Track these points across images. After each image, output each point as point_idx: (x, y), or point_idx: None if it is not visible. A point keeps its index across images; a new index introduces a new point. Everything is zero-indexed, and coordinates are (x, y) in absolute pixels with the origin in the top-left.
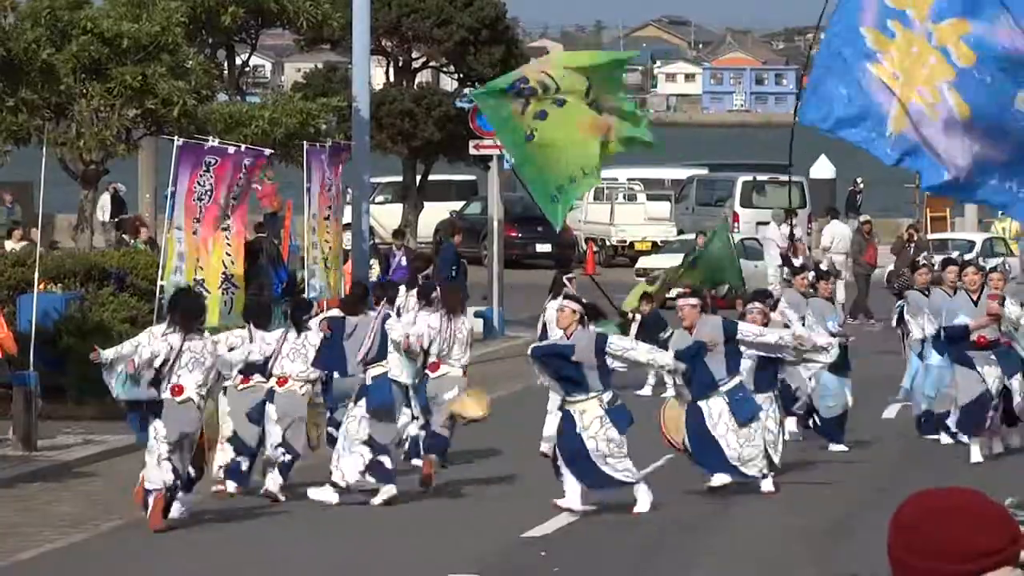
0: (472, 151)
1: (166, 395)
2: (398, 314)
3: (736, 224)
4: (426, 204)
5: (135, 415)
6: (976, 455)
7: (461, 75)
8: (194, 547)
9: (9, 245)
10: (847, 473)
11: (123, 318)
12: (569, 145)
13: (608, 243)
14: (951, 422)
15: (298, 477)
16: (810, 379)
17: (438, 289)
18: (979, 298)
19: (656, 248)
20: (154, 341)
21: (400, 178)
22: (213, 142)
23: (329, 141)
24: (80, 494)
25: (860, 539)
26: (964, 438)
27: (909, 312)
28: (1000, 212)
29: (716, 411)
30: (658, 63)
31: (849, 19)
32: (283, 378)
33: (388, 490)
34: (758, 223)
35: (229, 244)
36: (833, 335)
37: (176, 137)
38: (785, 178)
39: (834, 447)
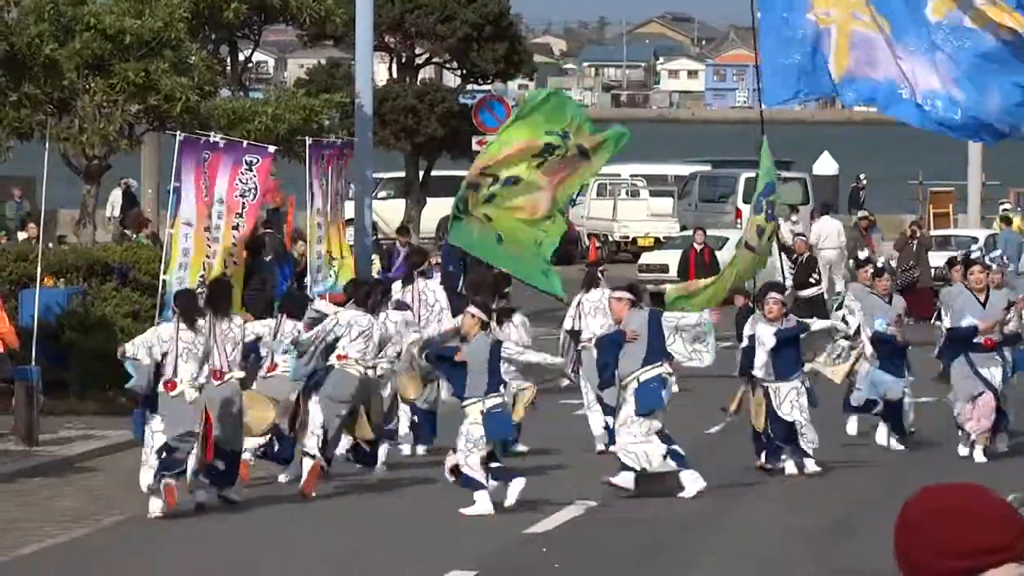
0: (475, 147)
1: (160, 389)
2: (399, 307)
3: (739, 220)
4: (429, 200)
5: (139, 412)
6: (979, 455)
7: (464, 71)
8: (195, 543)
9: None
10: (847, 473)
11: (125, 313)
12: (523, 225)
13: (611, 239)
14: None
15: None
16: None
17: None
18: (986, 297)
19: (659, 244)
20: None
21: (403, 174)
22: (216, 138)
23: (332, 137)
24: (81, 489)
25: (860, 539)
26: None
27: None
28: (1001, 209)
29: (622, 400)
30: (661, 60)
31: None
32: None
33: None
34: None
35: (235, 244)
36: (878, 334)
37: (178, 133)
38: (789, 174)
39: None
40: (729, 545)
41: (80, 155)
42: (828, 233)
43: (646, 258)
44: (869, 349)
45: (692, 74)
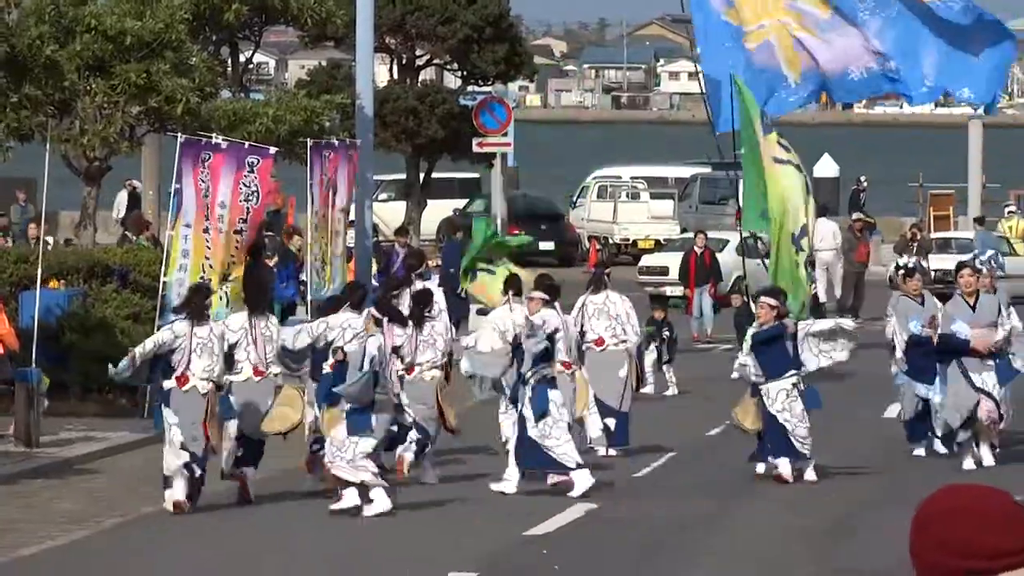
0: (475, 148)
1: (172, 384)
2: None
3: (738, 222)
4: (429, 202)
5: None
6: (968, 463)
7: (465, 73)
8: (196, 544)
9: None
10: (847, 473)
11: (126, 315)
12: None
13: (611, 241)
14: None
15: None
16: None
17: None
18: (976, 301)
19: (659, 246)
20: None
21: (403, 175)
22: (217, 139)
23: (334, 139)
24: (82, 491)
25: (860, 539)
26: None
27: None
28: (1007, 211)
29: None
30: (661, 61)
31: (709, 17)
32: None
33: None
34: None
35: (237, 247)
36: (915, 337)
37: (179, 134)
38: None
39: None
40: (729, 545)
41: (80, 157)
42: (824, 235)
43: (646, 260)
44: (899, 354)
45: (693, 76)
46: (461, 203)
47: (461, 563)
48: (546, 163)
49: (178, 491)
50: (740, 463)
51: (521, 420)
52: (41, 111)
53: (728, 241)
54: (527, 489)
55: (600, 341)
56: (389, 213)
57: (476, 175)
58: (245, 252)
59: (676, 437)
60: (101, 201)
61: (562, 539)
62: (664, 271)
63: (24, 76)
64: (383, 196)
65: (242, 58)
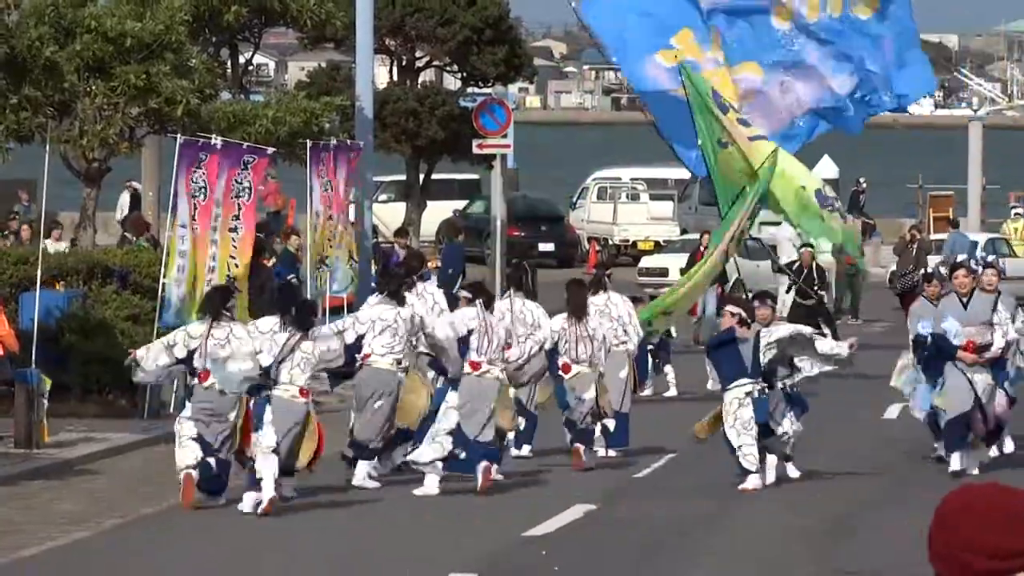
0: (475, 150)
1: (194, 381)
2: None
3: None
4: (429, 203)
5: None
6: (955, 463)
7: (464, 74)
8: (196, 544)
9: (51, 245)
10: (847, 473)
11: (125, 316)
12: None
13: (611, 242)
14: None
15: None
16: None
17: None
18: (969, 301)
19: (659, 248)
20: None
21: (403, 177)
22: (216, 141)
23: (334, 140)
24: (82, 492)
25: (860, 539)
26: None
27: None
28: (1013, 212)
29: None
30: None
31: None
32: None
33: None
34: (761, 223)
35: (235, 246)
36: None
37: (179, 136)
38: None
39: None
40: (729, 545)
41: (80, 158)
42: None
43: (646, 262)
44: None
45: None
46: (461, 204)
47: (461, 563)
48: (546, 164)
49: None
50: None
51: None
52: (41, 112)
53: None
54: (527, 490)
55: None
56: (389, 214)
57: (476, 176)
58: (246, 250)
59: (676, 438)
60: (101, 202)
61: (562, 540)
62: (664, 272)
63: (24, 77)
64: (383, 197)
65: (242, 60)
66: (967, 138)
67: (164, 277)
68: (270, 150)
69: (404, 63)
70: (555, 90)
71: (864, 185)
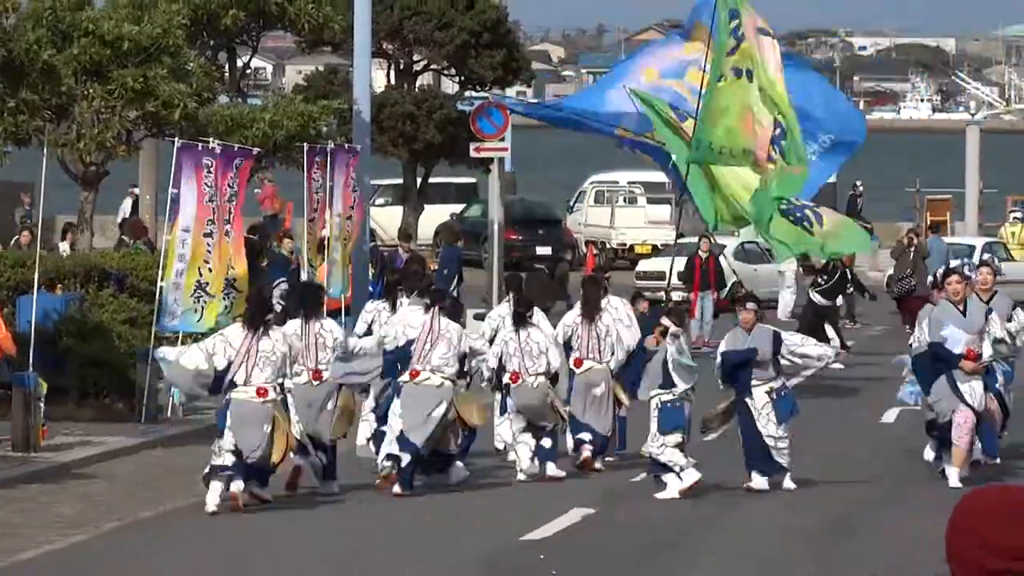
0: (473, 154)
1: (234, 392)
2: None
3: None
4: (426, 207)
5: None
6: (954, 479)
7: (462, 78)
8: (194, 546)
9: (64, 247)
10: (847, 473)
11: (123, 319)
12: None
13: (608, 246)
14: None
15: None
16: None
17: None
18: (965, 308)
19: (656, 251)
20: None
21: (400, 180)
22: (213, 144)
23: (331, 143)
24: (79, 495)
25: (860, 539)
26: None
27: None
28: (1012, 216)
29: None
30: None
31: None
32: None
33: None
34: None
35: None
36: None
37: (176, 139)
38: None
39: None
40: (729, 545)
41: (78, 161)
42: None
43: (644, 265)
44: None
45: None
46: (458, 208)
47: (461, 563)
48: (544, 168)
49: (213, 493)
50: (740, 465)
51: None
52: (38, 116)
53: (725, 245)
54: (526, 491)
55: None
56: (386, 218)
57: (473, 180)
58: (241, 253)
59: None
60: (99, 206)
61: (560, 542)
62: (661, 276)
63: (21, 81)
64: (380, 201)
65: (239, 63)
66: (965, 142)
67: (161, 280)
68: (255, 150)
69: (402, 67)
70: (553, 94)
71: (861, 189)
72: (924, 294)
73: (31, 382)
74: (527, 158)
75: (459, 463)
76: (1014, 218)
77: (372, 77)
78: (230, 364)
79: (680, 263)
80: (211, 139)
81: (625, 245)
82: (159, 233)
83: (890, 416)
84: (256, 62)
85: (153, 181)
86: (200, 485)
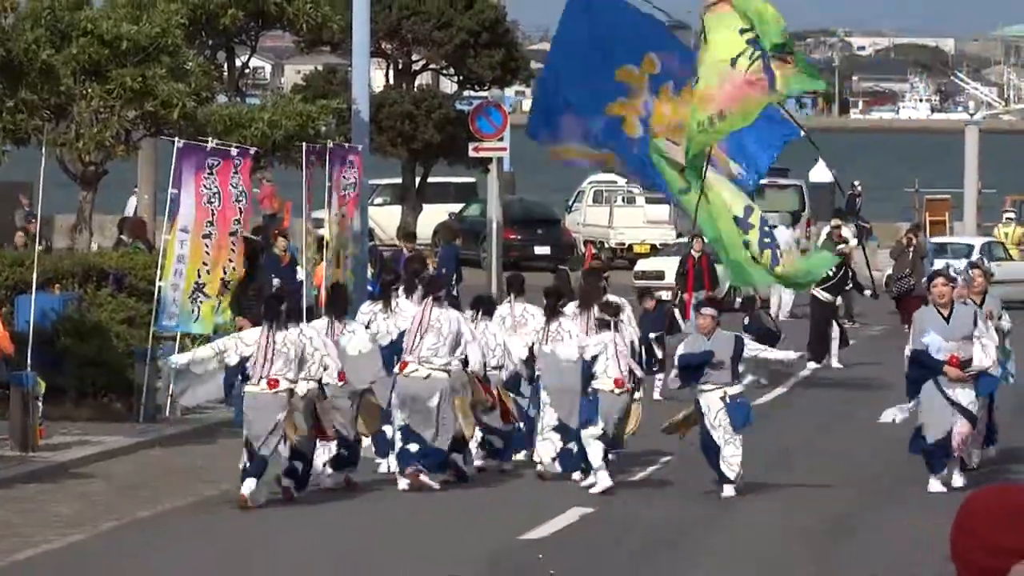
0: (472, 153)
1: (253, 386)
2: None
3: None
4: (425, 206)
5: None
6: (935, 486)
7: (461, 78)
8: (193, 545)
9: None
10: (847, 473)
11: (121, 319)
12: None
13: (607, 246)
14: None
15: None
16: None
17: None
18: (950, 312)
19: (655, 251)
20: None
21: (399, 180)
22: (212, 143)
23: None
24: (77, 495)
25: (860, 539)
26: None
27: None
28: (1004, 217)
29: None
30: None
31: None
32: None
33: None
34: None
35: (233, 249)
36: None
37: (176, 139)
38: (785, 182)
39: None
40: (729, 545)
41: (76, 161)
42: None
43: (642, 265)
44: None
45: None
46: (457, 208)
47: (460, 562)
48: (542, 168)
49: (245, 487)
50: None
51: None
52: (37, 115)
53: None
54: (524, 493)
55: None
56: (385, 217)
57: (472, 180)
58: (242, 253)
59: (673, 440)
60: (97, 205)
61: (559, 542)
62: (660, 276)
63: (20, 80)
64: (379, 200)
65: (238, 63)
66: (963, 142)
67: (160, 280)
68: (253, 149)
69: (400, 66)
70: None
71: (860, 189)
72: (923, 294)
73: (29, 381)
74: (526, 158)
75: (458, 454)
76: (1007, 219)
77: (371, 77)
78: (242, 359)
79: (673, 263)
80: (210, 139)
81: (624, 245)
82: (158, 232)
83: (887, 417)
84: (255, 62)
85: (152, 181)
86: (198, 485)
